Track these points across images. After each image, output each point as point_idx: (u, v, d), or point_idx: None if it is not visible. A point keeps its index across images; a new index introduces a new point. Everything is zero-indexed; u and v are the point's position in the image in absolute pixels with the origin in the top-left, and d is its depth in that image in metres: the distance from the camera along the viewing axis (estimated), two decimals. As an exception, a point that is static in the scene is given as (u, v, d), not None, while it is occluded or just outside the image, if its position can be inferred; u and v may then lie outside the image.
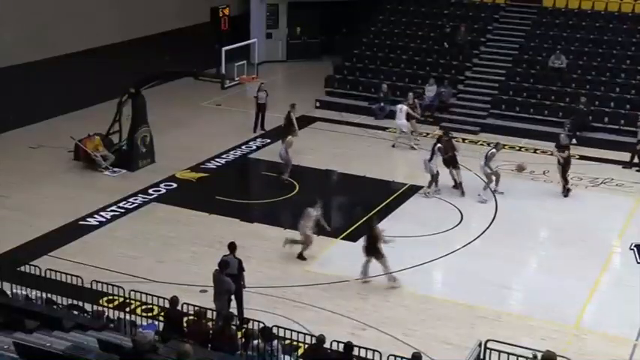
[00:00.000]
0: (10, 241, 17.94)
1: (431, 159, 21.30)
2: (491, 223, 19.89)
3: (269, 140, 25.77)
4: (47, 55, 26.49)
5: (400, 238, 18.16)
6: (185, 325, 13.24)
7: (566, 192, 21.59)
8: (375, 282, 16.83)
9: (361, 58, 31.14)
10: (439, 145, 21.57)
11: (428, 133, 26.92)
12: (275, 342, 12.40)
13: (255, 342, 12.40)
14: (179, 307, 13.34)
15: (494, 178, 21.55)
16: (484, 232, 19.44)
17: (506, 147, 25.57)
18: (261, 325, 12.75)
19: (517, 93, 28.04)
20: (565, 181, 21.63)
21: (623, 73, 27.83)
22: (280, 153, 22.48)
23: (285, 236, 18.07)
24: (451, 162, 21.75)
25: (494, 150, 21.54)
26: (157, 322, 14.11)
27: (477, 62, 30.05)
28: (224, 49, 22.46)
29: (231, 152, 24.77)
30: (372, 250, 16.64)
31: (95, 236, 18.83)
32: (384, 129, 26.92)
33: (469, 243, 18.75)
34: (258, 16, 36.03)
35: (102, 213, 19.96)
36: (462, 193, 21.44)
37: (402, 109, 25.27)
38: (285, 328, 13.03)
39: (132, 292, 14.05)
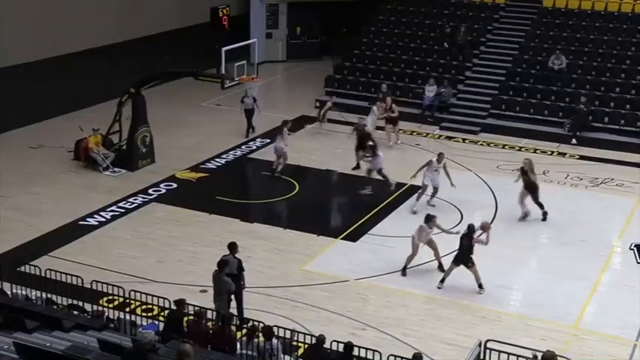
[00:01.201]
0: (10, 241, 17.94)
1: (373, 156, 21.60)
2: (490, 223, 19.83)
3: (269, 140, 25.76)
4: (47, 55, 26.51)
5: (400, 238, 18.21)
6: (185, 325, 13.25)
7: (544, 216, 19.94)
8: (375, 282, 16.84)
9: (361, 58, 31.15)
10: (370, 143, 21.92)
11: (427, 133, 26.96)
12: (275, 341, 12.42)
13: (257, 340, 12.43)
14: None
15: (431, 189, 20.40)
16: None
17: (506, 147, 25.68)
18: (261, 324, 12.76)
19: (517, 93, 28.04)
20: (540, 205, 19.88)
21: (623, 73, 27.82)
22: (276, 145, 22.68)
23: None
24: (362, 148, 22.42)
25: (433, 159, 20.39)
26: (157, 322, 14.11)
27: (477, 62, 30.04)
28: (224, 49, 22.43)
29: (231, 152, 24.77)
30: (464, 259, 16.48)
31: (95, 236, 18.83)
32: (384, 129, 26.89)
33: (469, 243, 18.74)
34: (258, 16, 36.05)
35: (102, 213, 19.96)
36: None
37: (372, 109, 25.44)
38: (285, 328, 13.03)
39: (132, 292, 14.04)
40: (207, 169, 23.40)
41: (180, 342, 11.27)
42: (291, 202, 21.25)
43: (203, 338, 12.58)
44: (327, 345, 12.46)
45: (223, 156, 24.41)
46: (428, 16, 32.16)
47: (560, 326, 15.34)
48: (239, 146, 25.23)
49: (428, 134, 26.89)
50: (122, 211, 20.18)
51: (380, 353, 12.14)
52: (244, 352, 12.49)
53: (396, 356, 12.03)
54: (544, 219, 19.93)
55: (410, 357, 11.73)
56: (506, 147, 25.69)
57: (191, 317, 13.26)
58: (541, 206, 19.92)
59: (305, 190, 21.91)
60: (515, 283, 17.51)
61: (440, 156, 20.44)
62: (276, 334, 12.64)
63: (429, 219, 17.27)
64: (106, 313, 13.87)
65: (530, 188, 19.82)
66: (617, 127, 26.23)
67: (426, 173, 20.41)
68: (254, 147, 25.32)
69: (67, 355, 9.98)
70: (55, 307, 13.74)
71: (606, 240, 19.30)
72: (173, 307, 13.25)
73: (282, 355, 12.47)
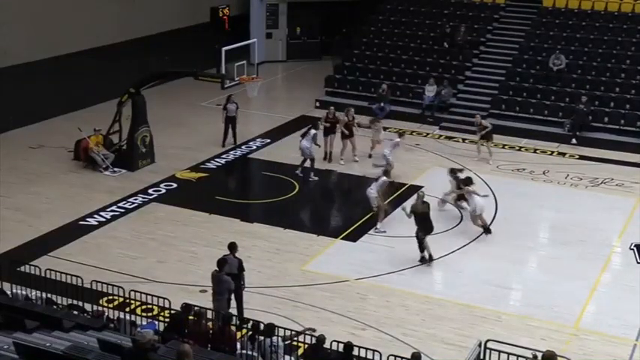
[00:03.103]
0: (10, 241, 17.95)
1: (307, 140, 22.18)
2: (491, 223, 19.87)
3: (269, 140, 25.77)
4: (47, 55, 26.51)
5: (400, 238, 18.22)
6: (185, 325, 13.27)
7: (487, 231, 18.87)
8: (375, 282, 16.84)
9: (361, 58, 31.14)
10: (314, 130, 22.32)
11: (427, 133, 26.96)
12: (279, 340, 12.43)
13: (261, 337, 12.45)
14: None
15: (382, 211, 19.25)
16: (484, 232, 19.42)
17: (506, 147, 25.66)
18: (261, 324, 12.77)
19: (517, 93, 28.04)
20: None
21: (623, 73, 27.82)
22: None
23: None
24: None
25: (384, 178, 19.75)
26: (156, 322, 14.10)
27: (477, 62, 30.05)
28: (224, 49, 22.43)
29: (231, 152, 24.77)
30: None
31: (95, 236, 18.82)
32: (384, 129, 26.87)
33: (469, 243, 18.76)
34: (258, 16, 36.04)
35: (102, 213, 19.96)
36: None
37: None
38: (285, 328, 13.03)
39: (132, 292, 14.04)
40: (207, 169, 23.39)
41: (180, 342, 11.27)
42: (291, 202, 21.24)
43: (203, 338, 12.58)
44: (327, 345, 12.46)
45: (223, 156, 24.40)
46: (428, 16, 32.15)
47: (560, 326, 15.34)
48: (239, 146, 25.21)
49: (428, 134, 26.88)
50: (122, 211, 20.18)
51: (380, 353, 12.13)
52: (244, 351, 12.50)
53: (395, 356, 12.02)
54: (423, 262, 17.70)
55: (409, 357, 11.74)
56: (506, 147, 25.67)
57: (191, 317, 13.27)
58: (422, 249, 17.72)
59: (305, 190, 21.91)
60: (515, 283, 17.50)
61: (386, 172, 20.55)
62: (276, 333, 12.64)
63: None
64: (106, 313, 13.87)
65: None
66: (617, 127, 26.22)
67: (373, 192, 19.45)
68: (254, 147, 25.31)
69: (67, 355, 9.97)
70: (55, 307, 13.74)
71: (606, 240, 19.29)
72: (179, 309, 13.26)
73: (282, 355, 12.47)
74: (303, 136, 22.56)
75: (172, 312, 13.54)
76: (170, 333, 12.47)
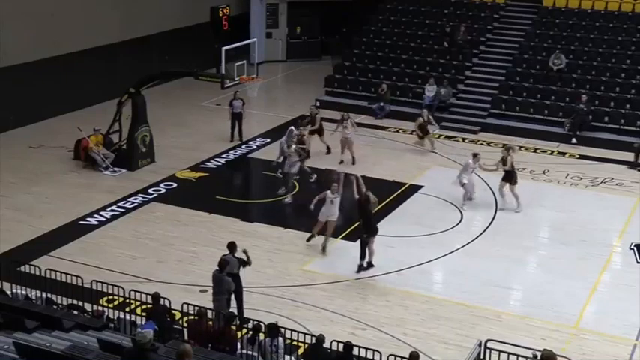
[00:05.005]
0: (10, 241, 17.94)
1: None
2: (491, 222, 19.89)
3: (269, 140, 25.76)
4: (47, 55, 26.51)
5: (400, 238, 18.20)
6: (186, 324, 13.26)
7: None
8: (375, 282, 16.83)
9: (361, 58, 31.15)
10: (292, 128, 22.40)
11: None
12: (280, 340, 12.44)
13: (261, 337, 12.44)
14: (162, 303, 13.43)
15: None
16: (484, 232, 19.44)
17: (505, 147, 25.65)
18: (262, 323, 12.77)
19: (517, 93, 28.04)
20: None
21: (623, 73, 27.82)
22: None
23: None
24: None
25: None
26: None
27: (477, 62, 30.04)
28: (224, 48, 22.43)
29: (231, 152, 24.77)
30: None
31: (95, 236, 18.82)
32: (383, 129, 26.95)
33: (469, 243, 18.76)
34: (258, 15, 36.06)
35: (102, 213, 19.96)
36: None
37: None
38: (285, 328, 13.04)
39: (132, 292, 14.05)
40: (207, 168, 23.40)
41: (180, 342, 11.27)
42: (292, 202, 21.23)
43: (203, 338, 12.58)
44: (327, 344, 12.47)
45: (223, 156, 24.41)
46: (428, 16, 32.17)
47: (560, 326, 15.34)
48: (239, 146, 25.22)
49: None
50: (122, 210, 20.18)
51: (380, 353, 12.15)
52: (245, 351, 12.50)
53: (395, 356, 12.04)
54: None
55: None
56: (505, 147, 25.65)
57: (192, 317, 13.28)
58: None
59: (305, 190, 21.89)
60: (515, 283, 17.50)
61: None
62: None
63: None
64: (106, 313, 13.87)
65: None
66: (617, 126, 26.22)
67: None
68: (254, 147, 25.31)
69: (67, 355, 9.97)
70: (55, 307, 13.74)
71: (606, 240, 19.29)
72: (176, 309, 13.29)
73: (283, 355, 12.48)
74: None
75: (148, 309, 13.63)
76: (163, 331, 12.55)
